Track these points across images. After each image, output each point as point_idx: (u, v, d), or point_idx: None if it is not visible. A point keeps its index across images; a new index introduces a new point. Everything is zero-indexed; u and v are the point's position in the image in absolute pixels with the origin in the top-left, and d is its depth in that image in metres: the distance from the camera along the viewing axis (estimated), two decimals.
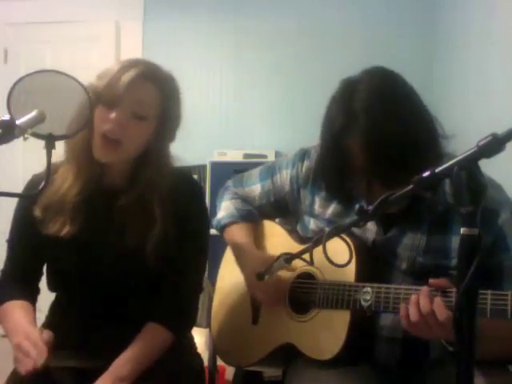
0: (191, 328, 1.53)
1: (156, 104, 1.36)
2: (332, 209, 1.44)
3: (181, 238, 1.40)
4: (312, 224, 1.47)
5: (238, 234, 1.57)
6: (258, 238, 1.59)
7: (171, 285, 1.42)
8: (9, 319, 1.38)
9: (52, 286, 1.49)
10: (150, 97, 1.35)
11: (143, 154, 1.39)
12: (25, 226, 1.46)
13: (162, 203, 1.38)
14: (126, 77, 1.29)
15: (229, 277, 1.64)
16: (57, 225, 1.38)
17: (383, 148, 1.19)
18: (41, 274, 1.50)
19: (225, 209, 1.62)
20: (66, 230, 1.37)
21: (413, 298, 1.15)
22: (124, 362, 1.33)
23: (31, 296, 1.46)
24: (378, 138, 1.20)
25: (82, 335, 1.41)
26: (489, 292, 1.08)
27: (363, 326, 1.33)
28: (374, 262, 1.35)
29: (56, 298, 1.53)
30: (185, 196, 1.44)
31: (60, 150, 1.42)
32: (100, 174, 1.41)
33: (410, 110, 1.24)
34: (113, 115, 1.30)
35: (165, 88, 1.37)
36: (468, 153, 0.88)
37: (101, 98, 1.30)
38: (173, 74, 1.41)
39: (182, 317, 1.45)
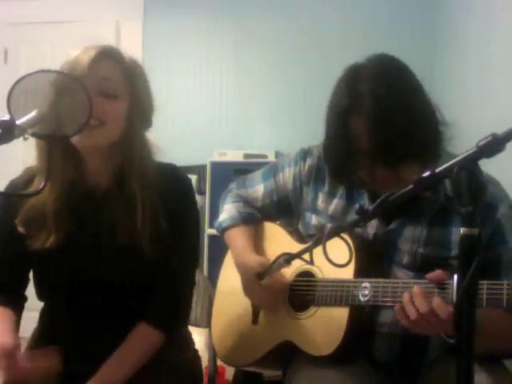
0: (182, 326, 1.51)
1: (121, 81, 1.36)
2: (335, 205, 1.45)
3: (172, 235, 1.38)
4: (314, 220, 1.48)
5: (238, 237, 1.57)
6: (259, 239, 1.60)
7: (161, 284, 1.40)
8: None
9: (42, 296, 1.47)
10: (113, 73, 1.35)
11: (121, 143, 1.36)
12: (6, 238, 1.43)
13: (150, 196, 1.35)
14: (87, 56, 1.31)
15: (230, 278, 1.64)
16: (41, 238, 1.35)
17: (388, 128, 1.22)
18: (27, 282, 1.47)
19: (226, 211, 1.62)
20: (50, 241, 1.34)
21: (406, 297, 1.16)
22: (114, 366, 1.31)
23: (17, 304, 1.44)
24: (383, 118, 1.22)
25: (74, 339, 1.39)
26: (485, 282, 1.09)
27: (362, 322, 1.33)
28: (374, 259, 1.36)
29: (45, 304, 1.49)
30: (175, 193, 1.42)
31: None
32: (80, 177, 1.39)
33: (413, 94, 1.28)
34: None
35: (126, 65, 1.38)
36: (468, 153, 0.88)
37: None
38: (134, 57, 1.43)
39: (172, 315, 1.42)
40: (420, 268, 1.31)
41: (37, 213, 1.35)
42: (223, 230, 1.62)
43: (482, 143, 0.87)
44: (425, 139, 1.24)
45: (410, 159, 1.23)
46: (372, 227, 1.38)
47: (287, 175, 1.55)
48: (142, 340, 1.36)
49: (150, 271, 1.38)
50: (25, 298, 1.48)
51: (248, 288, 1.50)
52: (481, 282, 1.08)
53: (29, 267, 1.45)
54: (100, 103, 1.28)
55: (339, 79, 1.34)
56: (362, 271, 1.32)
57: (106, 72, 1.34)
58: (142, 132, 1.41)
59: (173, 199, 1.40)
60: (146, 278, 1.39)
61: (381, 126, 1.23)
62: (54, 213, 1.35)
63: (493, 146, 0.86)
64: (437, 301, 1.12)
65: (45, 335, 1.45)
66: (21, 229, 1.37)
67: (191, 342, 1.60)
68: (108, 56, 1.35)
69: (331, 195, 1.46)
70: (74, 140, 1.31)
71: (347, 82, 1.31)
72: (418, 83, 1.32)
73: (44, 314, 1.49)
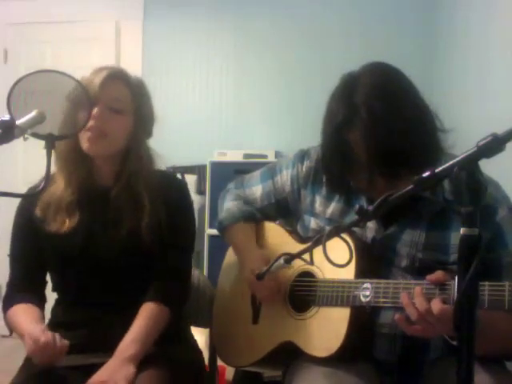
0: (184, 302, 1.59)
1: (128, 100, 1.51)
2: (332, 208, 1.45)
3: (171, 228, 1.52)
4: (312, 223, 1.48)
5: (240, 233, 1.58)
6: (259, 238, 1.59)
7: (162, 268, 1.52)
8: (15, 323, 1.47)
9: (55, 285, 1.57)
10: (122, 93, 1.51)
11: (125, 151, 1.52)
12: (25, 236, 1.55)
13: (151, 193, 1.50)
14: (99, 78, 1.46)
15: (230, 277, 1.64)
16: (57, 222, 1.49)
17: (385, 141, 1.21)
18: (45, 283, 1.58)
19: (226, 210, 1.62)
20: (66, 226, 1.49)
21: (405, 300, 1.16)
22: (129, 343, 1.40)
23: (38, 303, 1.53)
24: (380, 132, 1.22)
25: (86, 331, 1.48)
26: (486, 283, 1.09)
27: (363, 323, 1.33)
28: (373, 261, 1.36)
29: (57, 300, 1.58)
30: (173, 192, 1.57)
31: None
32: (90, 177, 1.54)
33: (410, 104, 1.27)
34: (94, 112, 1.43)
35: (133, 86, 1.53)
36: (468, 153, 0.88)
37: None
38: (139, 77, 1.60)
39: (174, 292, 1.53)
40: (419, 272, 1.30)
41: (54, 201, 1.50)
42: (224, 229, 1.62)
43: (482, 143, 0.87)
44: (422, 150, 1.23)
45: (408, 170, 1.21)
46: (370, 231, 1.38)
47: (285, 177, 1.55)
48: (151, 317, 1.46)
49: (148, 258, 1.50)
50: (45, 299, 1.57)
51: (252, 283, 1.49)
52: (482, 283, 1.08)
53: (45, 266, 1.55)
54: (107, 117, 1.45)
55: (335, 89, 1.33)
56: (362, 272, 1.32)
57: (115, 91, 1.49)
58: (144, 141, 1.58)
59: (171, 197, 1.55)
60: (144, 263, 1.51)
61: (377, 138, 1.22)
62: (68, 205, 1.50)
63: (493, 146, 0.86)
64: (434, 300, 1.12)
65: (59, 330, 1.50)
66: (39, 212, 1.50)
67: (194, 341, 1.64)
68: (117, 77, 1.50)
69: (329, 198, 1.46)
70: (83, 147, 1.46)
71: (343, 93, 1.30)
72: (416, 92, 1.30)
73: (56, 309, 1.57)
